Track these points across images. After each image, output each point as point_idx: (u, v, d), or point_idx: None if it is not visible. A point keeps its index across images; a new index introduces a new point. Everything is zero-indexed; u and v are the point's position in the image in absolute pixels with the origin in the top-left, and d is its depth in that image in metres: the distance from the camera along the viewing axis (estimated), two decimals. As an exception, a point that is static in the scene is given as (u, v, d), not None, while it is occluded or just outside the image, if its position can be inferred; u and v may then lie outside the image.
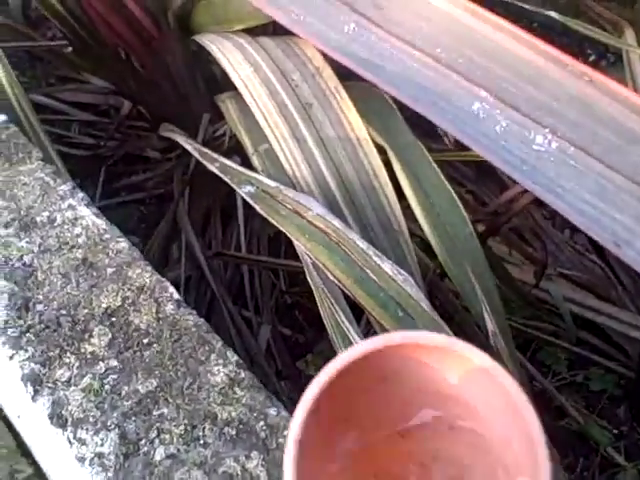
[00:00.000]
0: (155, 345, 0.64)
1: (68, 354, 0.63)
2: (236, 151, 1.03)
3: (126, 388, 0.61)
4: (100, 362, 0.63)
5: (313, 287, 0.72)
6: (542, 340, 1.13)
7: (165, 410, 0.60)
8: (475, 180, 1.25)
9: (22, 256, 0.71)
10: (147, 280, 0.69)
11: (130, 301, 0.67)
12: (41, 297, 0.68)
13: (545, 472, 0.39)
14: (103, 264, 0.71)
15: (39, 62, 1.54)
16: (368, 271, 0.70)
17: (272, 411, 0.60)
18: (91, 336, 0.65)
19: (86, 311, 0.67)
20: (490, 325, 0.75)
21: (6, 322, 0.65)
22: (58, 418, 0.59)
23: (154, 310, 0.67)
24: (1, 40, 1.02)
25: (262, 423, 0.59)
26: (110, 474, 0.56)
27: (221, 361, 0.63)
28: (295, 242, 0.74)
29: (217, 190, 1.19)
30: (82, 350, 0.64)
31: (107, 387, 0.61)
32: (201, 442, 0.58)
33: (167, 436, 0.58)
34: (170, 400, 0.60)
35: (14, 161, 0.81)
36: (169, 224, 1.19)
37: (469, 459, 0.47)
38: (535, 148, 0.67)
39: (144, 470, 0.56)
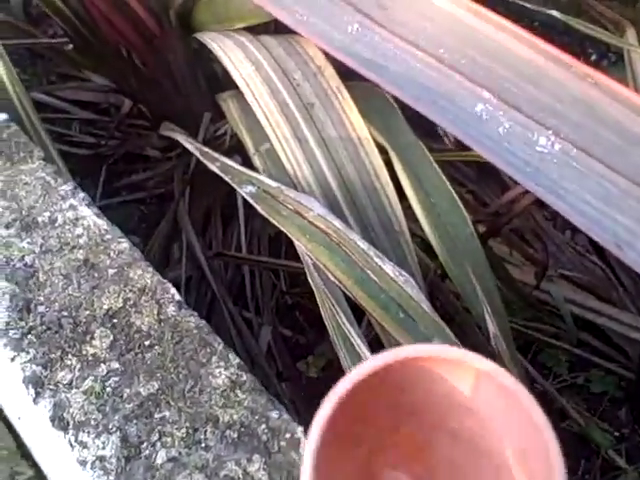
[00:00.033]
0: (157, 347, 0.64)
1: (70, 356, 0.63)
2: (237, 150, 1.03)
3: (128, 391, 0.61)
4: (102, 364, 0.62)
5: (314, 288, 0.72)
6: (543, 342, 1.13)
7: (167, 413, 0.59)
8: (476, 180, 1.25)
9: (23, 257, 0.71)
10: (148, 281, 0.69)
11: (131, 302, 0.67)
12: (42, 298, 0.67)
13: None
14: (104, 265, 0.70)
15: (40, 60, 1.53)
16: (369, 272, 0.70)
17: (274, 414, 0.60)
18: (92, 338, 0.64)
19: (87, 312, 0.66)
20: (491, 327, 0.75)
21: (7, 323, 0.65)
22: (60, 421, 0.58)
23: (155, 312, 0.66)
24: (2, 37, 1.01)
25: (264, 426, 0.59)
26: (112, 477, 0.56)
27: (222, 363, 0.63)
28: (296, 243, 0.73)
29: (218, 190, 1.19)
30: (84, 352, 0.63)
31: (109, 389, 0.61)
32: (202, 445, 0.58)
33: (168, 439, 0.58)
34: (172, 403, 0.60)
35: (15, 160, 0.81)
36: (170, 224, 1.19)
37: (477, 470, 0.47)
38: (538, 150, 0.67)
39: (145, 473, 0.56)
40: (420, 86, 0.72)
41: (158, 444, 0.58)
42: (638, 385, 1.10)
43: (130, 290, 0.68)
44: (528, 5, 0.88)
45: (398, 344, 0.68)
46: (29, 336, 0.64)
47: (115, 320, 0.66)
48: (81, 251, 0.72)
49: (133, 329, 0.65)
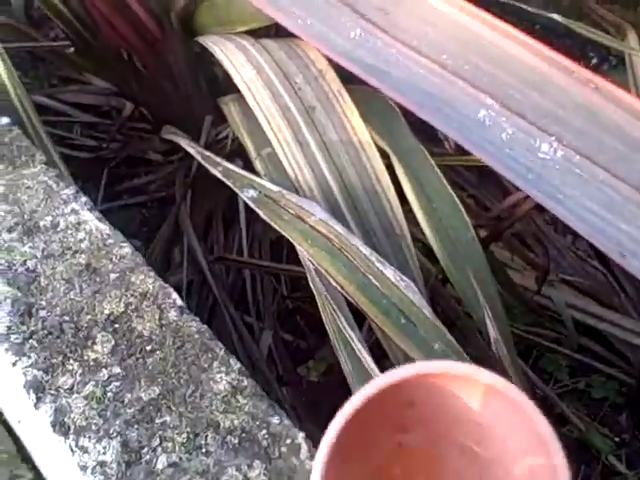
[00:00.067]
0: (158, 352, 0.64)
1: (71, 361, 0.63)
2: (238, 154, 1.03)
3: (129, 395, 0.61)
4: (103, 369, 0.62)
5: (315, 293, 0.72)
6: (544, 347, 1.12)
7: (167, 418, 0.59)
8: (477, 185, 1.25)
9: (25, 261, 0.71)
10: (150, 286, 0.69)
11: (133, 307, 0.67)
12: (44, 303, 0.67)
13: None
14: (106, 269, 0.70)
15: (41, 63, 1.54)
16: (371, 277, 0.70)
17: (274, 420, 0.60)
18: (94, 343, 0.64)
19: (89, 317, 0.66)
20: (492, 331, 0.75)
21: (9, 328, 0.65)
22: (60, 426, 0.58)
23: (157, 316, 0.66)
24: (3, 40, 1.01)
25: (264, 432, 0.59)
26: (112, 482, 0.56)
27: (224, 369, 0.63)
28: (297, 247, 0.73)
29: (219, 194, 1.19)
30: (85, 357, 0.63)
31: (110, 394, 0.61)
32: (203, 450, 0.58)
33: (169, 444, 0.58)
34: (173, 408, 0.60)
35: (17, 164, 0.81)
36: (171, 227, 1.19)
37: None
38: (541, 156, 0.67)
39: (146, 478, 0.56)
40: (423, 92, 0.72)
41: (159, 449, 0.58)
42: (639, 391, 1.09)
43: (132, 295, 0.68)
44: (529, 8, 0.88)
45: (399, 349, 0.68)
46: (30, 341, 0.64)
47: (117, 325, 0.66)
48: (83, 256, 0.72)
49: (135, 334, 0.65)
